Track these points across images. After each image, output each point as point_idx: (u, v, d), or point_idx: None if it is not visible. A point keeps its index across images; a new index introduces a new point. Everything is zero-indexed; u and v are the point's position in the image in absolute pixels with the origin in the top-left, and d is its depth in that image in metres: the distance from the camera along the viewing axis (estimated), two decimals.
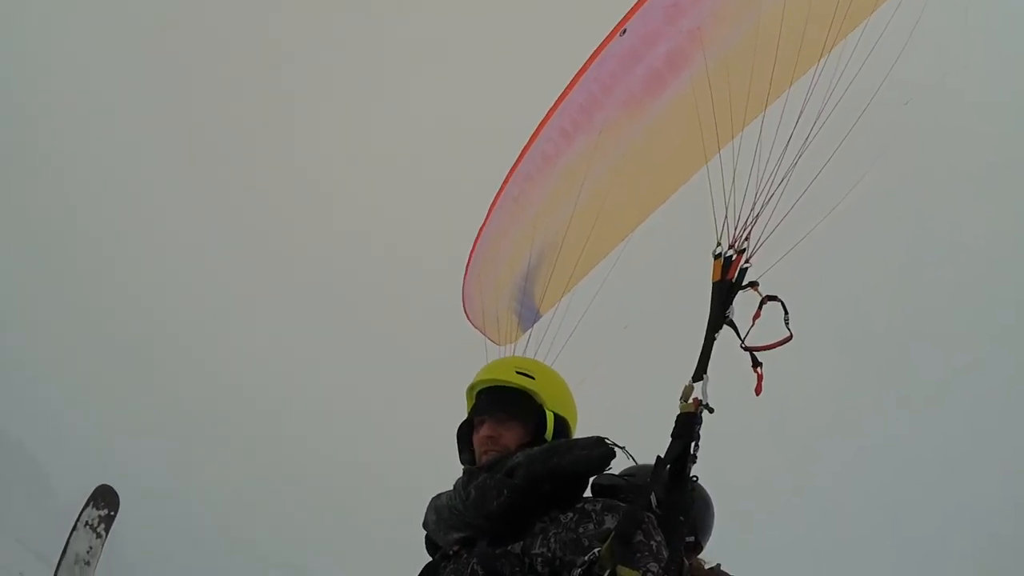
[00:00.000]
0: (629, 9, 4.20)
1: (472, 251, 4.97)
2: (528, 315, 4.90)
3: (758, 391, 3.02)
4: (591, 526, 2.37)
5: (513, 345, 4.30)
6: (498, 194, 4.93)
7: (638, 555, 2.24)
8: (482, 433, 2.75)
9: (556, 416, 2.77)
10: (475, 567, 2.41)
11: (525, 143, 4.81)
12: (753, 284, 3.10)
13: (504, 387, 2.80)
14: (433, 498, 2.78)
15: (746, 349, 3.00)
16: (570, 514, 2.43)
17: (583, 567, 2.19)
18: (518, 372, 2.82)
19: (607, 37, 4.34)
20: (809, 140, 3.13)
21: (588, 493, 2.66)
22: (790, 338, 2.95)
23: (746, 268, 3.11)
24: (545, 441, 2.71)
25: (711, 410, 2.80)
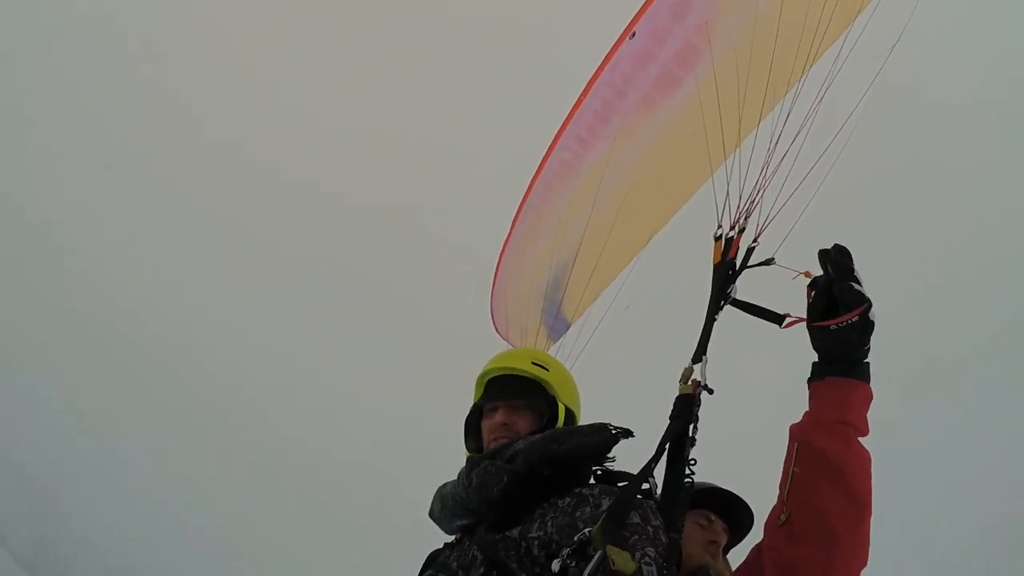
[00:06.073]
0: (637, 12, 4.20)
1: (498, 264, 4.99)
2: (558, 325, 4.89)
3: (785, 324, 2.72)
4: (587, 509, 2.36)
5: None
6: (521, 205, 4.94)
7: (634, 537, 2.21)
8: (496, 419, 2.75)
9: (567, 409, 2.79)
10: (475, 552, 2.42)
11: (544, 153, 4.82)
12: (746, 266, 2.96)
13: (519, 376, 2.83)
14: (439, 487, 2.80)
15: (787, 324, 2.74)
16: (568, 499, 2.43)
17: (572, 547, 2.18)
18: (534, 363, 2.85)
19: (617, 41, 4.34)
20: (807, 125, 3.07)
21: (592, 481, 2.65)
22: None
23: (753, 247, 3.01)
24: None
25: (711, 391, 2.72)
